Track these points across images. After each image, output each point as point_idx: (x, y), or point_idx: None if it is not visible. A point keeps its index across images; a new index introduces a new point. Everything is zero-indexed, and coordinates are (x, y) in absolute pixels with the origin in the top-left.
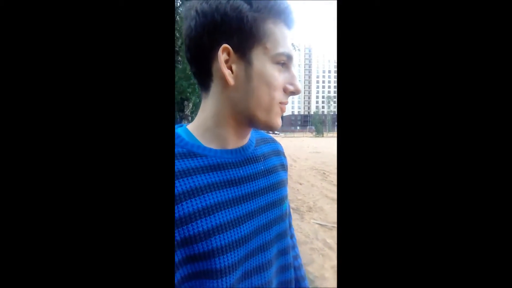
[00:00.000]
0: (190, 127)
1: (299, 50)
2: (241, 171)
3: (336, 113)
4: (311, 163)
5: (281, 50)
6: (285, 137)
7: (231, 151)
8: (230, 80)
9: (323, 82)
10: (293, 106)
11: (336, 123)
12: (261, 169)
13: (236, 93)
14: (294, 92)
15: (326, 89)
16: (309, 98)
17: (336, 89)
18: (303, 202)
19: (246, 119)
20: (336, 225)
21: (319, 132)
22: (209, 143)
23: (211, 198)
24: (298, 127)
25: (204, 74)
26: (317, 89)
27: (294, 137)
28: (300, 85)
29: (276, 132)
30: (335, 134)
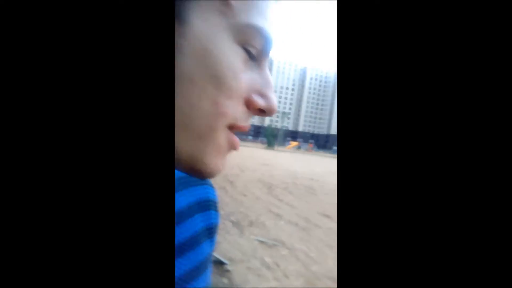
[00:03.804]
0: None
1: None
2: None
3: (290, 128)
4: (258, 175)
5: (253, 20)
6: None
7: None
8: None
9: (280, 98)
10: None
11: (287, 139)
12: None
13: None
14: (265, 111)
15: (282, 105)
16: None
17: (291, 106)
18: (245, 215)
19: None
20: (276, 243)
21: (270, 145)
22: None
23: None
24: (250, 137)
25: None
26: None
27: (245, 146)
28: (275, 100)
29: None
30: (285, 149)
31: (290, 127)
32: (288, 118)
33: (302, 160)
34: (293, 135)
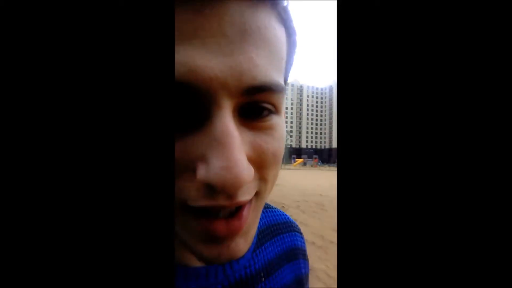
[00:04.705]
0: None
1: None
2: None
3: (294, 146)
4: (271, 196)
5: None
6: None
7: (198, 271)
8: None
9: None
10: None
11: (293, 157)
12: None
13: None
14: (214, 186)
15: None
16: None
17: (292, 125)
18: None
19: None
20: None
21: None
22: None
23: None
24: None
25: None
26: None
27: None
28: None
29: None
30: (291, 167)
31: (294, 144)
32: (291, 137)
33: (309, 176)
34: (297, 152)
